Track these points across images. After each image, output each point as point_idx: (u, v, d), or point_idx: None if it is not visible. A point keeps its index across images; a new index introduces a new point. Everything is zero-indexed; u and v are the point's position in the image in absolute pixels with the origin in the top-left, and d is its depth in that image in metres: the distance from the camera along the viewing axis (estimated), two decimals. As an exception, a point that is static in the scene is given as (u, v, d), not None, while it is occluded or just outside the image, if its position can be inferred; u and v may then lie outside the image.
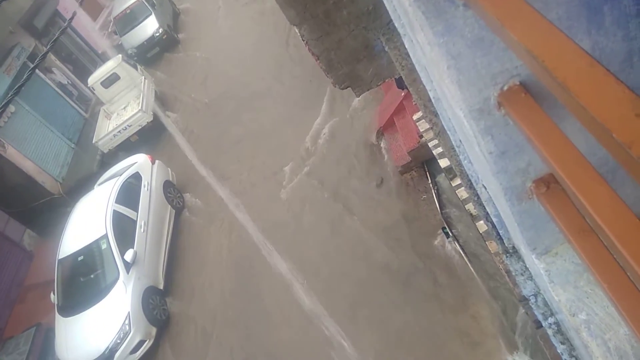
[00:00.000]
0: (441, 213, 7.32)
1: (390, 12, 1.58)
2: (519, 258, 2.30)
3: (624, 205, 0.99)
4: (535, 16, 0.85)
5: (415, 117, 7.57)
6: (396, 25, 1.59)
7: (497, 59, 1.26)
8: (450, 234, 6.99)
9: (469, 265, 6.69)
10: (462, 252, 6.79)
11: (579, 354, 1.94)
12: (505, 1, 0.90)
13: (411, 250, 7.28)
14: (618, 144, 0.65)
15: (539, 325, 5.16)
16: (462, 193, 6.70)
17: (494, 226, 2.40)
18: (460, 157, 2.21)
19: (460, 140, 2.00)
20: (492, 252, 6.00)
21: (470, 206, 6.50)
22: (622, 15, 1.23)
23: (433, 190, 7.58)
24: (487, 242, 6.20)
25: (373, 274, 7.24)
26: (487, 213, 2.36)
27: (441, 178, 7.80)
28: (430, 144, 7.18)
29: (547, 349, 4.93)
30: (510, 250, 2.36)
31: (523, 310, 5.88)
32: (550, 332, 2.07)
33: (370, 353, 6.54)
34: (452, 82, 1.27)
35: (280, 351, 7.33)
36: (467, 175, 2.47)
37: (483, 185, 2.09)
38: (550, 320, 2.08)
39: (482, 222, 6.27)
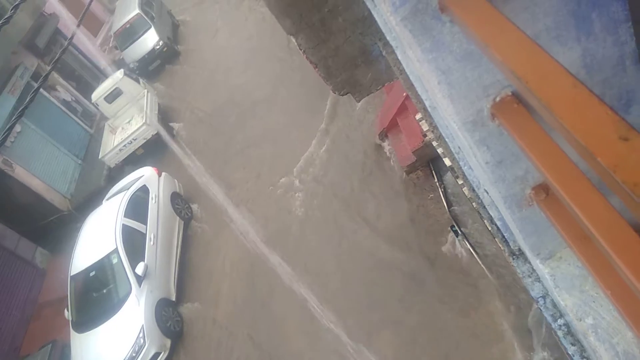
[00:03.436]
0: (449, 211, 7.30)
1: (381, 26, 1.59)
2: (526, 260, 2.29)
3: (617, 214, 0.98)
4: (520, 35, 0.85)
5: (417, 116, 7.55)
6: (388, 38, 1.60)
7: (488, 71, 1.26)
8: (460, 232, 6.97)
9: (480, 262, 6.66)
10: (472, 250, 6.76)
11: (590, 355, 1.93)
12: (489, 20, 0.91)
13: (421, 251, 7.26)
14: (602, 167, 0.65)
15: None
16: (468, 191, 6.69)
17: (498, 229, 2.40)
18: (460, 162, 2.21)
19: (459, 147, 2.00)
20: (502, 249, 5.98)
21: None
22: (611, 21, 1.23)
23: (440, 189, 7.56)
24: (496, 239, 6.18)
25: (383, 277, 7.23)
26: (491, 216, 2.36)
27: (447, 176, 7.77)
28: (435, 143, 7.16)
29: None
30: (517, 252, 2.35)
31: (537, 307, 5.88)
32: (560, 333, 2.06)
33: (385, 356, 6.53)
34: (443, 97, 1.28)
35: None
36: (469, 180, 2.47)
37: (485, 189, 2.09)
38: (560, 321, 2.07)
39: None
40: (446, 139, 2.12)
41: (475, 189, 2.33)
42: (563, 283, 1.61)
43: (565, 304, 1.56)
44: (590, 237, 1.03)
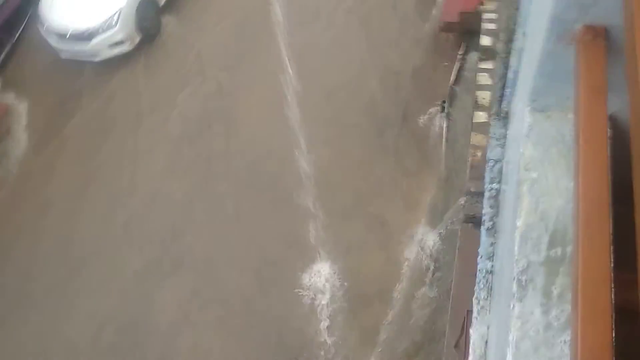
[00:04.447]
0: (451, 87, 7.12)
1: None
2: (505, 125, 2.24)
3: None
4: None
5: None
6: None
7: None
8: (447, 109, 6.90)
9: (444, 144, 6.75)
10: (444, 130, 6.79)
11: (499, 221, 2.02)
12: None
13: (402, 104, 7.22)
14: None
15: (467, 220, 5.42)
16: (483, 79, 6.44)
17: (503, 85, 2.29)
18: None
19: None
20: (471, 144, 6.03)
21: (481, 94, 6.30)
22: None
23: (458, 63, 7.26)
24: (472, 134, 6.18)
25: (356, 106, 7.25)
26: (508, 67, 2.23)
27: (473, 58, 7.42)
28: (484, 16, 6.66)
29: (461, 239, 5.28)
30: (502, 115, 2.29)
31: (460, 203, 6.16)
32: (487, 194, 2.12)
33: (320, 164, 6.81)
34: None
35: (247, 121, 7.52)
36: (512, 26, 2.27)
37: (523, 32, 1.92)
38: (494, 186, 2.11)
39: (480, 113, 6.19)
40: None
41: (513, 34, 2.15)
42: (535, 137, 1.57)
43: (523, 153, 1.53)
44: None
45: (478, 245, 2.34)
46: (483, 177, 2.48)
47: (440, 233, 6.19)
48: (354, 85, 7.50)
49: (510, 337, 1.18)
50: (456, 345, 4.76)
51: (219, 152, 7.38)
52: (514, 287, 1.27)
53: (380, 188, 6.60)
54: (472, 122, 6.29)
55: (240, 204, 6.79)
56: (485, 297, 1.80)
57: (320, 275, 6.10)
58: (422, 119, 6.98)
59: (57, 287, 6.61)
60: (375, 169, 6.72)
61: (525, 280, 1.28)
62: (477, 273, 1.88)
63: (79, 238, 7.03)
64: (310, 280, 6.07)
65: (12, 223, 7.51)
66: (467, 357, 2.29)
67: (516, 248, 1.37)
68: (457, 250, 5.31)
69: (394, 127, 6.96)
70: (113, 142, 8.03)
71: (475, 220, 5.20)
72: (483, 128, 5.93)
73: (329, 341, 5.80)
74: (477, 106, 6.28)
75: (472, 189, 5.60)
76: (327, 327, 5.89)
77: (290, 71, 7.74)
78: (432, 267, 6.11)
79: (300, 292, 6.01)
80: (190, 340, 5.83)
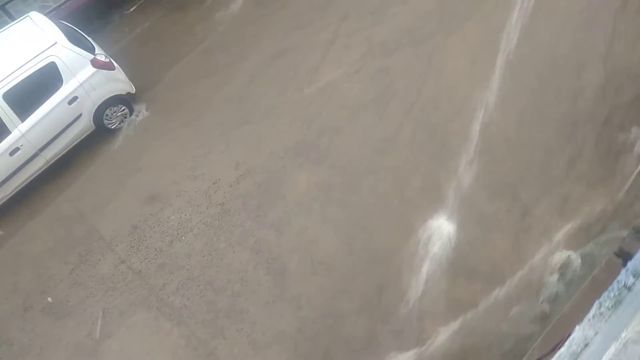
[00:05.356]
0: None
1: None
2: None
3: None
4: None
5: None
6: None
7: None
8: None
9: (635, 173, 5.97)
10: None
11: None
12: None
13: (613, 109, 6.46)
14: None
15: (619, 254, 4.95)
16: None
17: None
18: None
19: None
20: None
21: None
22: None
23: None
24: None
25: (563, 88, 6.71)
26: None
27: None
28: None
29: (602, 268, 4.86)
30: None
31: (621, 235, 5.52)
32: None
33: (493, 129, 6.53)
34: None
35: (452, 57, 7.36)
36: None
37: None
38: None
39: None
40: None
41: None
42: None
43: None
44: None
45: (615, 279, 2.17)
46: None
47: (581, 252, 5.70)
48: (573, 69, 6.85)
49: (623, 335, 1.15)
50: (538, 360, 4.57)
51: (405, 71, 7.38)
52: (654, 296, 1.20)
53: (542, 179, 6.16)
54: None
55: (402, 131, 6.84)
56: (610, 307, 1.70)
57: (442, 229, 6.06)
58: (627, 133, 6.18)
59: (223, 127, 7.48)
60: (549, 158, 6.23)
61: (669, 296, 1.20)
62: (614, 282, 1.76)
63: (254, 94, 7.74)
64: (430, 228, 6.07)
65: (211, 62, 8.46)
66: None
67: (676, 266, 1.27)
68: (591, 276, 4.93)
69: (591, 127, 6.30)
70: (319, 25, 8.43)
71: (626, 257, 4.73)
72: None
73: (417, 290, 5.84)
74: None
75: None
76: (422, 277, 5.92)
77: (513, 30, 7.26)
78: (554, 279, 5.72)
79: (415, 234, 6.05)
80: (303, 223, 6.31)
